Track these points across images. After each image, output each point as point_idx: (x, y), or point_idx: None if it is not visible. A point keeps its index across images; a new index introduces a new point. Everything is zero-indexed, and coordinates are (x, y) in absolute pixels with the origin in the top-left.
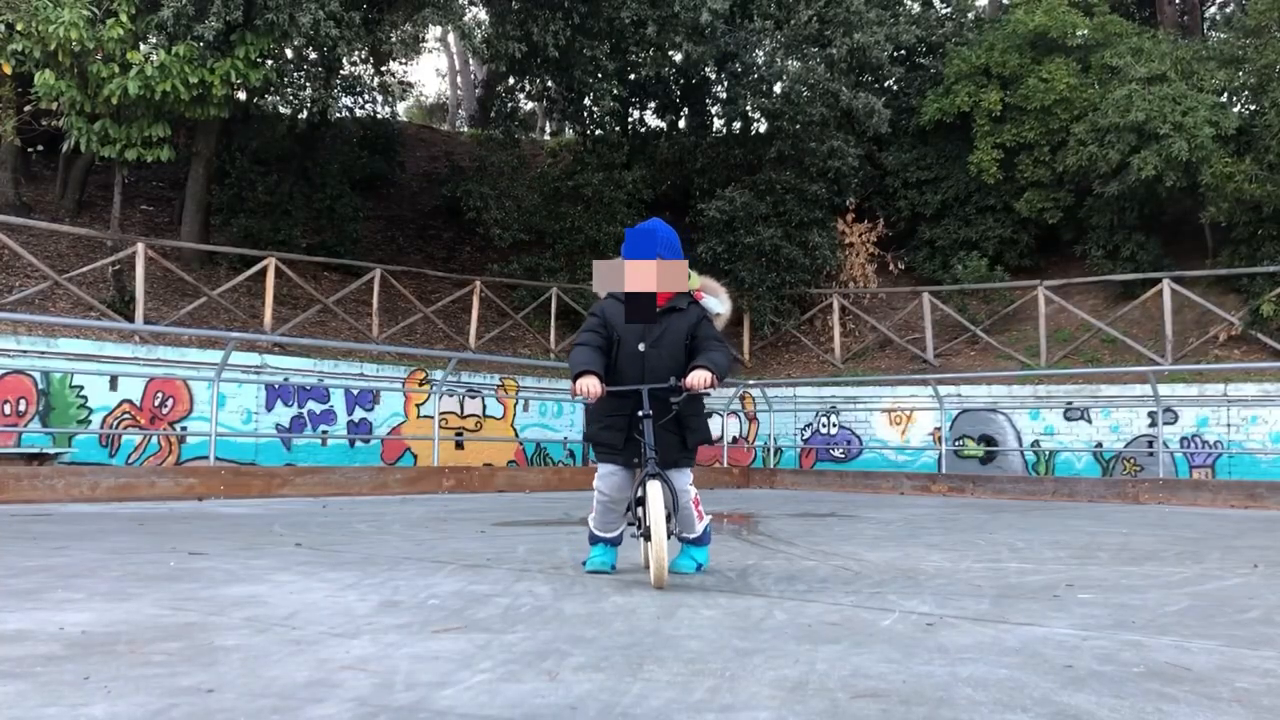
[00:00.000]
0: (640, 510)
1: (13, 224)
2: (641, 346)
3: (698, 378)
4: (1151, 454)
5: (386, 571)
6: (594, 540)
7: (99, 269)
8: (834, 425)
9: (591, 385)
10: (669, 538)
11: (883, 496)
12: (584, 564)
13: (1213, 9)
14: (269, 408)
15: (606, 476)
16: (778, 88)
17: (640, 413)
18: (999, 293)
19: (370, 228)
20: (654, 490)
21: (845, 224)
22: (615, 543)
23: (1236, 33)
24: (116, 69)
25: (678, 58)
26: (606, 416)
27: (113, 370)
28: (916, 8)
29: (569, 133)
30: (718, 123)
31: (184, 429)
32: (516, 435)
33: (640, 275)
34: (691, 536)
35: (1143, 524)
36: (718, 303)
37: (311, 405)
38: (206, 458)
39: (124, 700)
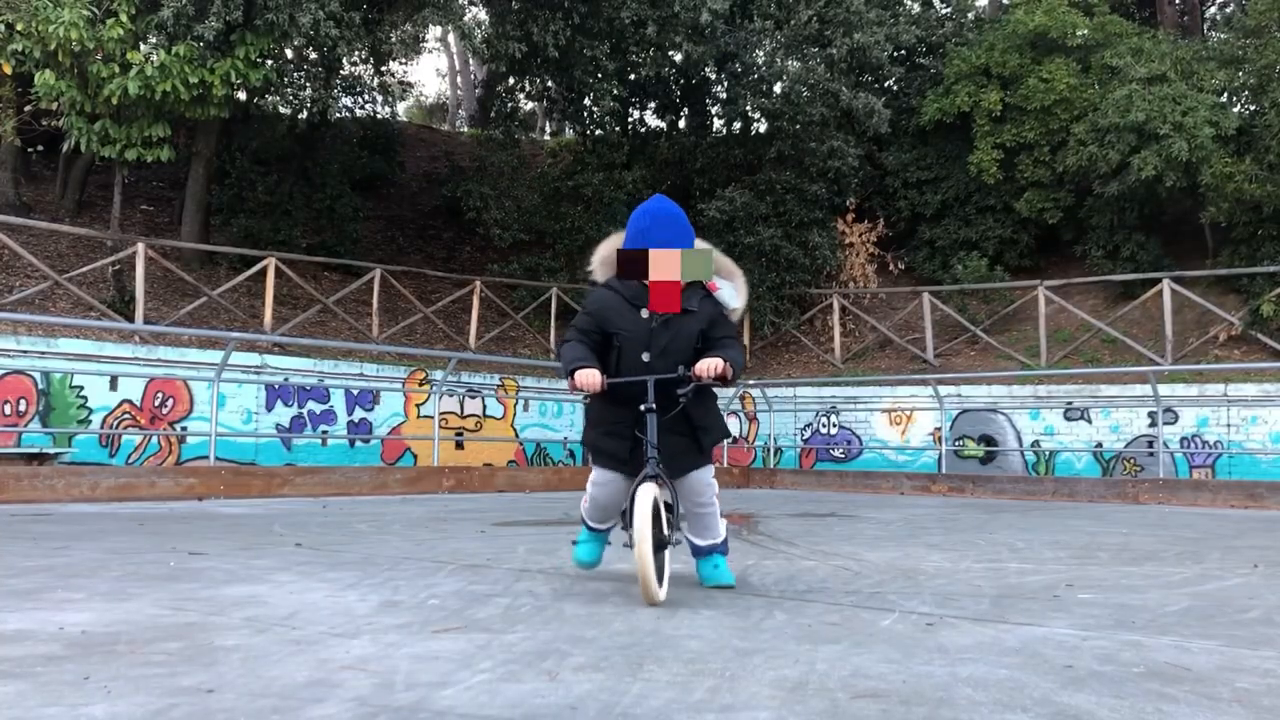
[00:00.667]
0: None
1: (13, 224)
2: (646, 356)
3: (708, 365)
4: (1151, 454)
5: (386, 571)
6: (584, 525)
7: (99, 269)
8: (834, 425)
9: (591, 377)
10: (664, 549)
11: (883, 496)
12: (573, 547)
13: (1213, 9)
14: (269, 408)
15: (604, 485)
16: (778, 88)
17: (643, 406)
18: (999, 293)
19: (370, 228)
20: (645, 494)
21: (845, 224)
22: (605, 533)
23: (1236, 33)
24: (116, 69)
25: (678, 58)
26: (610, 422)
27: (113, 370)
28: (916, 8)
29: (569, 133)
30: (718, 123)
31: (184, 429)
32: (516, 435)
33: (667, 264)
34: (717, 541)
35: (1143, 524)
36: (733, 294)
37: (311, 405)
38: (206, 458)
39: (124, 700)
